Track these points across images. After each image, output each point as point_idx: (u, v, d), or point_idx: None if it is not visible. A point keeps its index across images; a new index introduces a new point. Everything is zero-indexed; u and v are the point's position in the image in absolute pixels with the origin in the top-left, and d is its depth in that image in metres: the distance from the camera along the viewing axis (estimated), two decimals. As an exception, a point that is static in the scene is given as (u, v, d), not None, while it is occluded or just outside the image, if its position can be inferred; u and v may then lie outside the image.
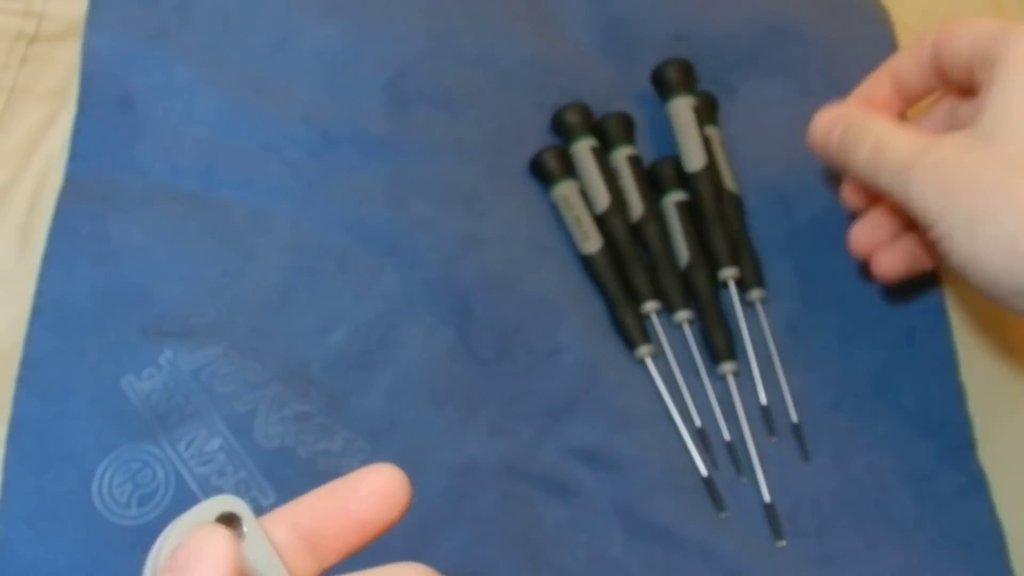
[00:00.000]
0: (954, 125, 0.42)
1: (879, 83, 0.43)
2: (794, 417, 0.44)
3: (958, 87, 0.41)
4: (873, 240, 0.43)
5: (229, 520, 0.24)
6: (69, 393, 0.41)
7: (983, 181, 0.34)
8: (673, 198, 0.48)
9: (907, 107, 0.43)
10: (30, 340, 0.42)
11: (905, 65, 0.42)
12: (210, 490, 0.39)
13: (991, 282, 0.35)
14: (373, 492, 0.25)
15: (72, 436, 0.40)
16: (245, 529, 0.24)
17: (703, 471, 0.42)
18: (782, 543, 0.41)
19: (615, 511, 0.41)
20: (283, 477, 0.40)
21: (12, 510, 0.38)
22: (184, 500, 0.39)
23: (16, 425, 0.40)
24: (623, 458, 0.42)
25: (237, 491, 0.39)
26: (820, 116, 0.42)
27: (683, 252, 0.47)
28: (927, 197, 0.36)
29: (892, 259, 0.43)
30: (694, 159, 0.48)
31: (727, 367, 0.45)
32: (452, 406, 0.43)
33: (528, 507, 0.41)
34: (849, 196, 0.45)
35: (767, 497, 0.42)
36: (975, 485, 0.43)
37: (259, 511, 0.24)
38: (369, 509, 0.25)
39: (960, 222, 0.35)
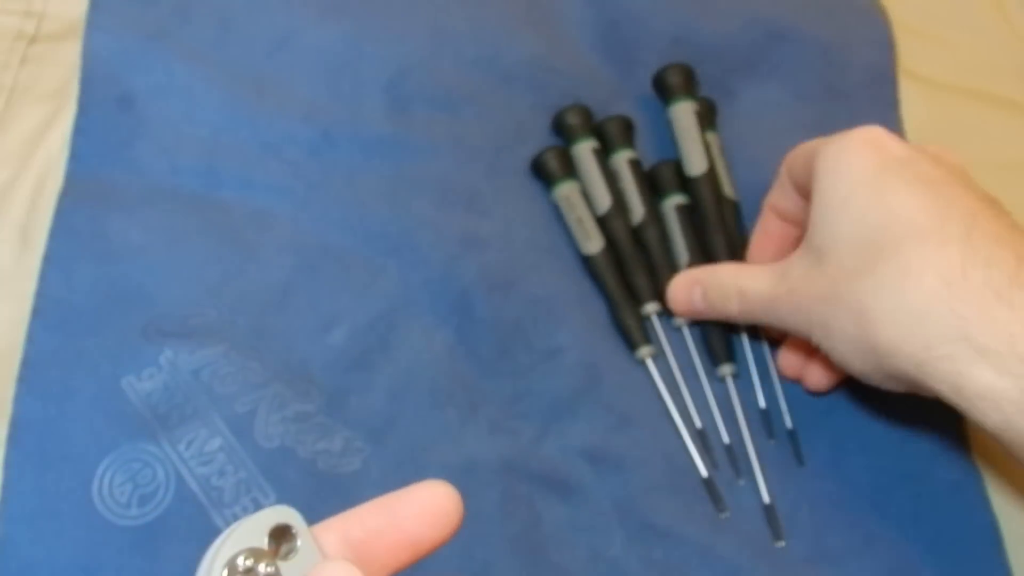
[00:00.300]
0: None
1: (768, 221, 0.46)
2: (789, 423, 0.44)
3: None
4: (796, 361, 0.45)
5: (283, 531, 0.24)
6: (69, 393, 0.41)
7: (824, 297, 0.38)
8: (673, 201, 0.48)
9: (802, 231, 0.43)
10: (30, 340, 0.42)
11: (777, 197, 0.45)
12: (210, 490, 0.39)
13: (862, 374, 0.38)
14: (426, 509, 0.25)
15: (72, 436, 0.40)
16: (299, 542, 0.24)
17: (703, 472, 0.42)
18: (781, 544, 0.41)
19: (615, 511, 0.41)
20: (283, 477, 0.40)
21: (12, 510, 0.38)
22: (184, 500, 0.39)
23: (16, 425, 0.40)
24: (623, 458, 0.42)
25: (237, 491, 0.39)
26: (674, 283, 0.45)
27: (683, 254, 0.47)
28: (792, 320, 0.40)
29: (817, 374, 0.44)
30: (695, 164, 0.48)
31: (726, 369, 0.45)
32: (452, 405, 0.43)
33: (528, 507, 0.41)
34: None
35: (766, 498, 0.42)
36: (970, 482, 0.43)
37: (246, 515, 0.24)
38: (422, 527, 0.25)
39: (820, 332, 0.38)
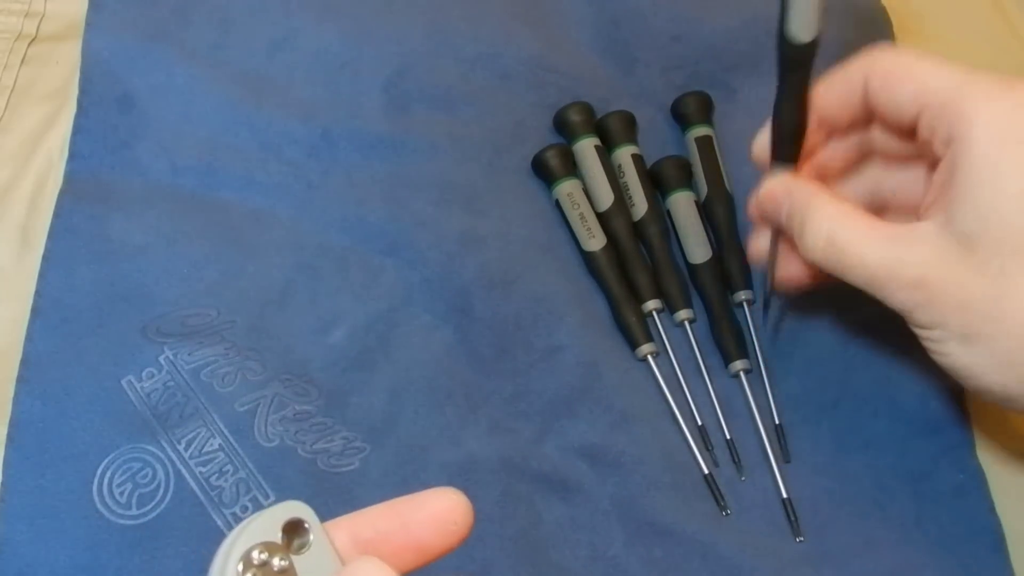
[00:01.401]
0: (884, 197, 0.40)
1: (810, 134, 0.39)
2: (776, 419, 0.44)
3: (897, 134, 0.38)
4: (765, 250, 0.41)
5: (296, 526, 0.24)
6: (69, 393, 0.41)
7: (975, 303, 0.32)
8: (677, 195, 0.48)
9: (828, 138, 0.40)
10: (30, 340, 0.42)
11: (831, 98, 0.38)
12: (210, 489, 0.39)
13: (984, 389, 0.34)
14: (436, 515, 0.25)
15: (72, 436, 0.40)
16: (312, 537, 0.24)
17: (704, 469, 0.42)
18: (800, 540, 0.41)
19: (615, 509, 0.41)
20: (283, 477, 0.40)
21: (12, 510, 0.38)
22: (184, 500, 0.39)
23: (16, 425, 0.40)
24: (623, 456, 0.42)
25: (236, 490, 0.39)
26: (771, 187, 0.39)
27: (695, 249, 0.47)
28: (913, 311, 0.34)
29: (797, 268, 0.40)
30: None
31: (739, 365, 0.45)
32: (452, 405, 0.43)
33: (528, 505, 0.41)
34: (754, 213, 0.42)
35: (784, 493, 0.42)
36: (974, 483, 0.43)
37: (259, 511, 0.24)
38: (430, 532, 0.25)
39: (953, 337, 0.33)
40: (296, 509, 0.24)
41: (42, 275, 0.43)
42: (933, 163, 0.35)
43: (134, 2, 0.50)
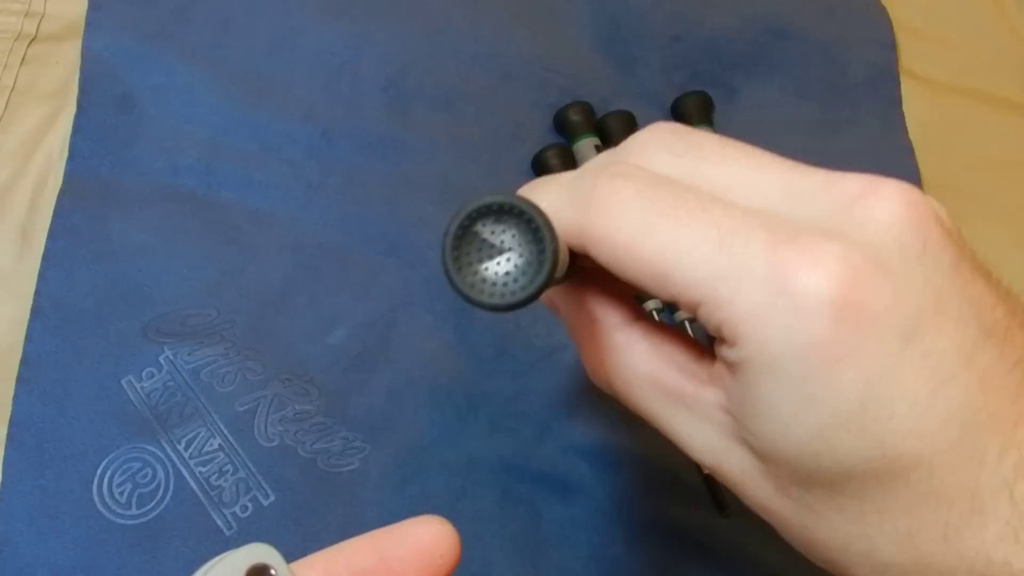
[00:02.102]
0: None
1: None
2: None
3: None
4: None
5: (260, 572, 0.23)
6: (69, 393, 0.41)
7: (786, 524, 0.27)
8: None
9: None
10: (30, 340, 0.42)
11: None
12: (210, 489, 0.39)
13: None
14: (419, 550, 0.23)
15: (72, 436, 0.40)
16: None
17: (704, 469, 0.42)
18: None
19: (615, 509, 0.41)
20: (283, 477, 0.40)
21: (12, 510, 0.38)
22: (184, 500, 0.39)
23: (16, 425, 0.40)
24: (624, 456, 0.42)
25: (237, 490, 0.39)
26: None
27: None
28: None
29: None
30: None
31: None
32: (452, 405, 0.43)
33: (528, 505, 0.41)
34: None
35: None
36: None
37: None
38: (413, 569, 0.23)
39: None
40: (260, 553, 0.23)
41: (42, 275, 0.43)
42: None
43: (134, 2, 0.50)
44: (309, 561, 0.23)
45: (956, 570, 0.22)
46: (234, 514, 0.39)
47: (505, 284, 0.24)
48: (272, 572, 0.23)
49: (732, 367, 0.24)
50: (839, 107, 0.53)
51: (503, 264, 0.24)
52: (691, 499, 0.42)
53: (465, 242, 0.23)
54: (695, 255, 0.23)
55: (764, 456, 0.24)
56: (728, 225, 0.23)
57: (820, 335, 0.21)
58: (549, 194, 0.26)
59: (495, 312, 0.23)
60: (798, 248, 0.22)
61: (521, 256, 0.24)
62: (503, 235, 0.23)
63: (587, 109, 0.50)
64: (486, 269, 0.24)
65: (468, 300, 0.23)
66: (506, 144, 0.50)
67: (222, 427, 0.41)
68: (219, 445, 0.40)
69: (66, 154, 0.46)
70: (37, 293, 0.43)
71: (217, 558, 0.23)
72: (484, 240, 0.23)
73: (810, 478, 0.23)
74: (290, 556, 0.23)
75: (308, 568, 0.23)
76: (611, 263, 0.25)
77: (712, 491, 0.42)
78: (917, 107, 0.54)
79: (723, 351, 0.24)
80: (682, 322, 0.46)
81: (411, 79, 0.50)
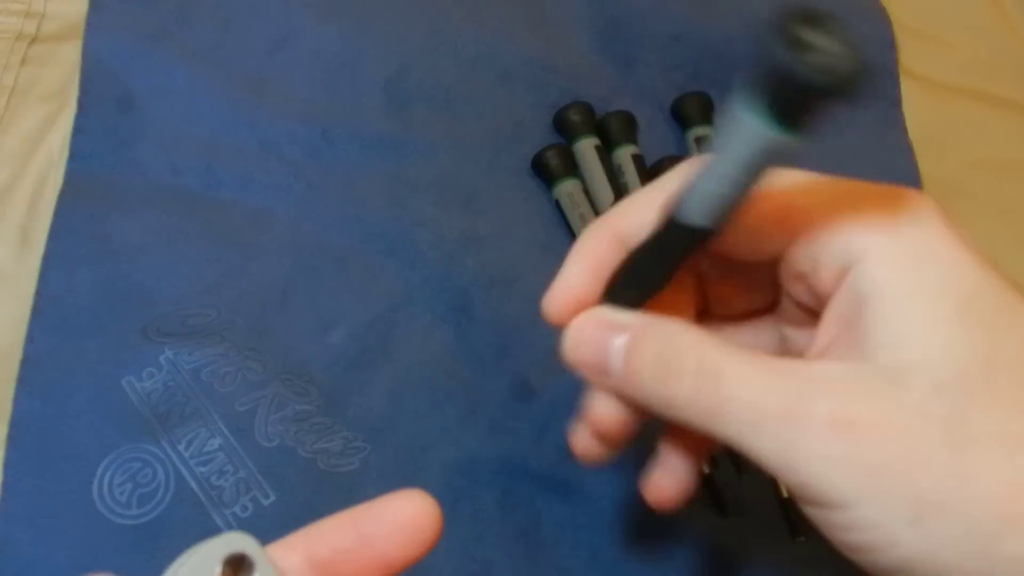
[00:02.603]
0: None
1: (599, 245, 0.29)
2: None
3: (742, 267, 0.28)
4: (678, 488, 0.31)
5: (238, 561, 0.23)
6: (69, 393, 0.41)
7: (927, 457, 0.22)
8: None
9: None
10: (30, 340, 0.42)
11: (638, 222, 0.28)
12: (210, 489, 0.39)
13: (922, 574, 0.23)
14: (400, 526, 0.23)
15: (72, 436, 0.40)
16: (256, 572, 0.23)
17: (704, 469, 0.42)
18: (801, 540, 0.41)
19: (615, 509, 0.41)
20: (283, 476, 0.40)
21: (12, 510, 0.38)
22: (184, 499, 0.39)
23: (16, 425, 0.40)
24: (624, 456, 0.42)
25: (237, 490, 0.39)
26: (578, 325, 0.29)
27: None
28: (826, 471, 0.23)
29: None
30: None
31: None
32: (452, 404, 0.43)
33: (528, 505, 0.41)
34: (586, 444, 0.31)
35: (784, 493, 0.42)
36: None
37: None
38: (393, 546, 0.23)
39: (897, 511, 0.22)
40: (236, 542, 0.23)
41: (42, 275, 0.43)
42: (801, 302, 0.28)
43: (134, 2, 0.50)
44: (289, 542, 0.23)
45: None
46: (234, 514, 0.39)
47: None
48: (250, 559, 0.23)
49: (855, 297, 0.25)
50: (839, 107, 0.53)
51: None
52: (691, 499, 0.42)
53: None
54: None
55: (906, 368, 0.23)
56: None
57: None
58: None
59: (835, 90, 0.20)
60: None
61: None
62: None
63: (587, 109, 0.50)
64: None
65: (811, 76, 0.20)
66: (506, 144, 0.50)
67: (222, 427, 0.41)
68: (219, 445, 0.40)
69: (66, 154, 0.46)
70: (37, 293, 0.43)
71: (192, 549, 0.23)
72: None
73: (963, 374, 0.23)
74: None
75: (289, 550, 0.23)
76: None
77: (712, 491, 0.42)
78: (917, 107, 0.54)
79: (846, 283, 0.25)
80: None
81: (410, 78, 0.50)
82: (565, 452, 0.42)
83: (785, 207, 0.26)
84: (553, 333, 0.45)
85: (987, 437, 0.22)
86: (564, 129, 0.50)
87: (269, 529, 0.38)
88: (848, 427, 0.23)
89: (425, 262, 0.46)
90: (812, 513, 0.24)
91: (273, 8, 0.51)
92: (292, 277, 0.45)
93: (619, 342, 0.27)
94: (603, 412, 0.29)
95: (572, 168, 0.49)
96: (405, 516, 0.23)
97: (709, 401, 0.24)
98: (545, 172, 0.49)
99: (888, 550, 0.23)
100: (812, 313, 0.27)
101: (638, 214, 0.28)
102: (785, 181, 0.26)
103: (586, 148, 0.49)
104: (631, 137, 0.49)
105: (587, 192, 0.48)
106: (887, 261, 0.24)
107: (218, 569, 0.23)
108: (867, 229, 0.25)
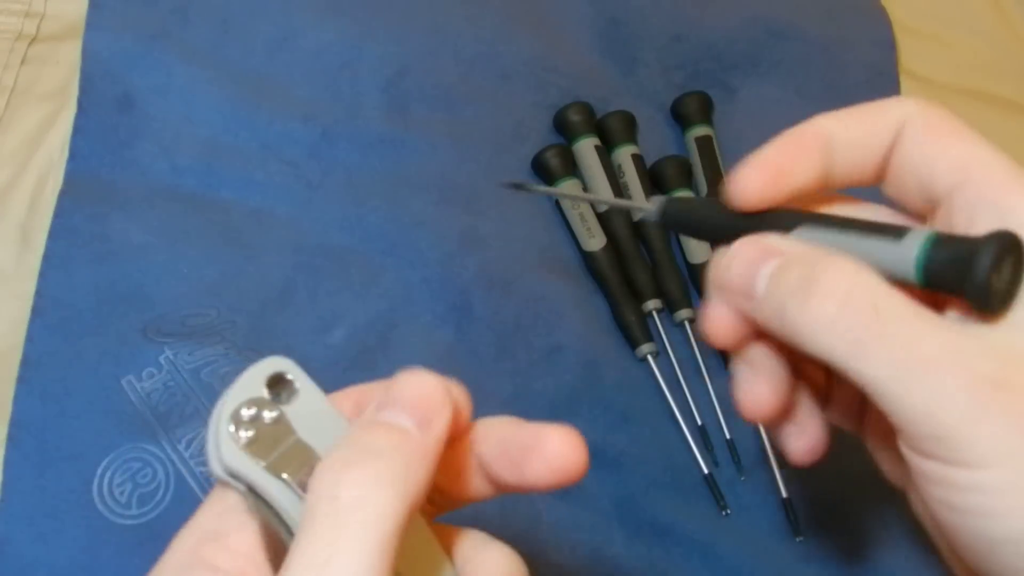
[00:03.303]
0: None
1: (807, 145, 0.28)
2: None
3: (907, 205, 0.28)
4: (775, 393, 0.29)
5: (279, 379, 0.24)
6: (69, 393, 0.41)
7: None
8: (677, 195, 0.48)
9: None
10: (30, 340, 0.42)
11: (848, 140, 0.28)
12: (210, 489, 0.39)
13: None
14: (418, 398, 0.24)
15: (72, 436, 0.40)
16: (298, 385, 0.25)
17: (704, 469, 0.42)
18: (800, 539, 0.41)
19: (615, 509, 0.41)
20: (283, 476, 0.40)
21: (12, 510, 0.38)
22: (184, 499, 0.39)
23: (16, 425, 0.40)
24: (624, 456, 0.42)
25: (237, 490, 0.39)
26: (737, 251, 0.27)
27: (695, 249, 0.47)
28: (974, 427, 0.22)
29: (811, 438, 0.31)
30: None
31: None
32: (452, 405, 0.43)
33: (528, 505, 0.41)
34: (722, 327, 0.29)
35: (784, 493, 0.42)
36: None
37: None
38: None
39: None
40: (277, 364, 0.24)
41: (42, 275, 0.43)
42: None
43: (134, 2, 0.50)
44: (339, 392, 0.26)
45: None
46: (234, 514, 0.39)
47: None
48: (290, 377, 0.24)
49: None
50: (839, 107, 0.52)
51: None
52: (691, 499, 0.42)
53: None
54: None
55: None
56: None
57: None
58: None
59: None
60: None
61: None
62: None
63: (587, 109, 0.50)
64: None
65: None
66: (506, 144, 0.50)
67: (222, 427, 0.41)
68: (219, 445, 0.40)
69: (66, 154, 0.46)
70: (37, 293, 0.43)
71: (239, 375, 0.24)
72: None
73: None
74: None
75: (339, 397, 0.25)
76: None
77: (712, 491, 0.42)
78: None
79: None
80: (681, 322, 0.46)
81: (410, 79, 0.50)
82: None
83: (967, 154, 0.26)
84: (553, 333, 0.45)
85: None
86: (564, 129, 0.50)
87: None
88: (1008, 388, 0.22)
89: (425, 262, 0.46)
90: (929, 468, 0.23)
91: (273, 8, 0.51)
92: (292, 277, 0.45)
93: (770, 266, 0.26)
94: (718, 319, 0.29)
95: (572, 168, 0.49)
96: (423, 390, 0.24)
97: (854, 333, 0.24)
98: (545, 172, 0.49)
99: (1006, 517, 0.23)
100: None
101: (851, 128, 0.28)
102: (973, 139, 0.26)
103: (586, 148, 0.49)
104: (631, 137, 0.49)
105: (587, 192, 0.48)
106: None
107: (264, 387, 0.24)
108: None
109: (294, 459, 0.23)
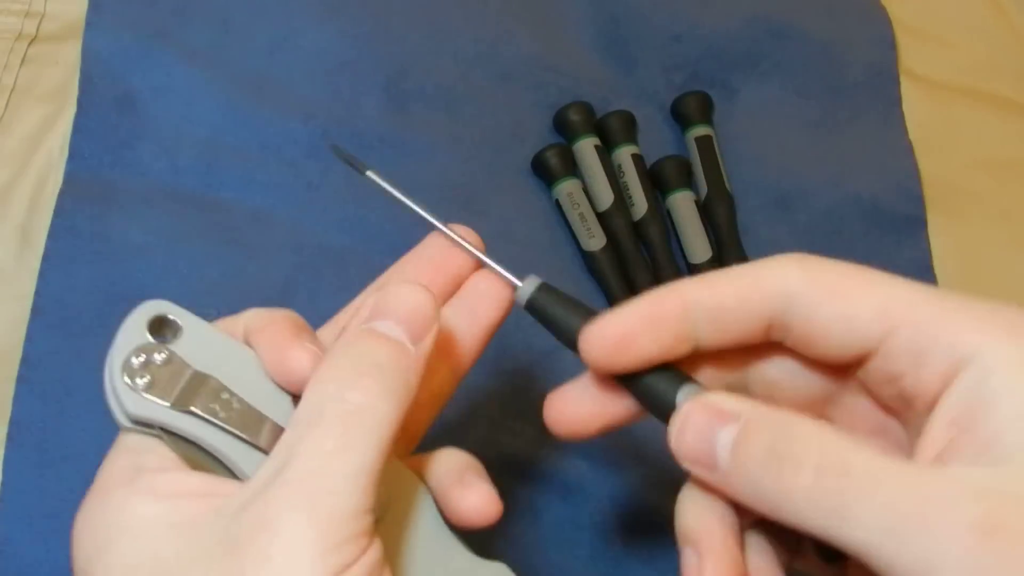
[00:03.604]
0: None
1: (665, 303, 0.26)
2: None
3: (818, 368, 0.27)
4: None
5: (160, 321, 0.25)
6: (69, 393, 0.41)
7: None
8: (679, 195, 0.48)
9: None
10: (30, 340, 0.42)
11: (728, 302, 0.26)
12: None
13: None
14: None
15: (72, 436, 0.40)
16: (181, 322, 0.25)
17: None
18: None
19: (615, 509, 0.41)
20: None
21: (12, 510, 0.38)
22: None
23: (16, 425, 0.40)
24: (624, 456, 0.42)
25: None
26: (685, 415, 0.25)
27: (695, 249, 0.47)
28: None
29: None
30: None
31: None
32: (452, 405, 0.42)
33: (528, 505, 0.41)
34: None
35: None
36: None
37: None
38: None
39: None
40: (152, 307, 0.25)
41: (42, 275, 0.43)
42: (881, 403, 0.27)
43: (134, 2, 0.50)
44: (233, 318, 0.28)
45: None
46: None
47: None
48: (171, 317, 0.25)
49: (975, 400, 0.23)
50: (839, 107, 0.53)
51: None
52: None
53: None
54: None
55: None
56: None
57: None
58: None
59: None
60: None
61: None
62: None
63: (587, 109, 0.50)
64: None
65: None
66: (506, 144, 0.50)
67: (222, 427, 0.41)
68: (219, 445, 0.40)
69: (66, 154, 0.46)
70: (37, 293, 0.43)
71: (119, 329, 0.25)
72: None
73: None
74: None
75: (231, 322, 0.27)
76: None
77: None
78: (917, 107, 0.54)
79: (960, 384, 0.24)
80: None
81: (410, 79, 0.50)
82: (565, 452, 0.42)
83: (886, 298, 0.24)
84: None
85: None
86: (564, 129, 0.50)
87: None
88: (995, 533, 0.21)
89: (425, 262, 0.46)
90: None
91: (273, 8, 0.51)
92: (292, 277, 0.45)
93: (728, 432, 0.24)
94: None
95: (572, 168, 0.49)
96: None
97: (833, 500, 0.22)
98: (545, 172, 0.49)
99: None
100: (877, 416, 0.27)
101: (716, 295, 0.26)
102: (882, 279, 0.25)
103: (586, 148, 0.49)
104: (631, 137, 0.49)
105: (587, 192, 0.48)
106: (1010, 366, 0.23)
107: (146, 332, 0.25)
108: (979, 332, 0.23)
109: (198, 389, 0.24)
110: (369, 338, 0.25)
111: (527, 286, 0.30)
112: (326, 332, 0.30)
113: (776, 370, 0.27)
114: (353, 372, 0.24)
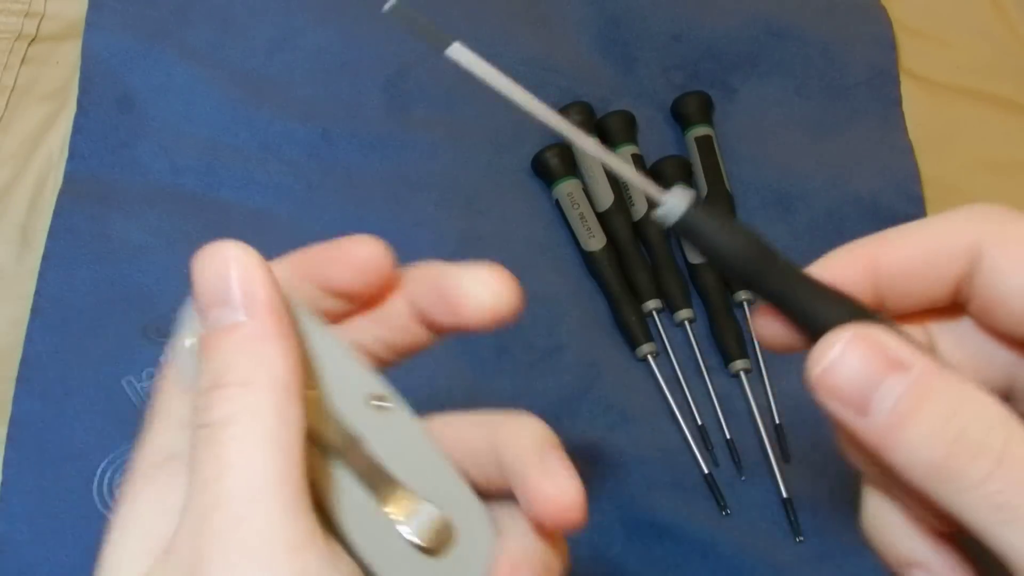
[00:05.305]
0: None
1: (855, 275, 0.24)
2: (776, 419, 0.44)
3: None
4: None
5: None
6: (69, 393, 0.41)
7: None
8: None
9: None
10: (30, 340, 0.42)
11: (913, 264, 0.23)
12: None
13: None
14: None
15: (72, 436, 0.40)
16: None
17: (704, 469, 0.42)
18: (800, 539, 0.41)
19: (615, 509, 0.41)
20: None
21: (12, 510, 0.38)
22: (184, 499, 0.39)
23: (16, 425, 0.40)
24: (623, 456, 0.42)
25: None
26: (843, 339, 0.22)
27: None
28: None
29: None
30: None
31: (739, 365, 0.44)
32: (452, 405, 0.42)
33: (528, 505, 0.41)
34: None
35: (784, 493, 0.42)
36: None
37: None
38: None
39: None
40: None
41: (42, 275, 0.43)
42: None
43: (134, 2, 0.50)
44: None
45: None
46: (234, 514, 0.39)
47: None
48: None
49: None
50: (839, 107, 0.53)
51: None
52: (691, 499, 0.42)
53: None
54: None
55: None
56: None
57: None
58: None
59: None
60: None
61: None
62: None
63: (587, 109, 0.50)
64: None
65: None
66: (505, 143, 0.50)
67: (222, 427, 0.41)
68: (219, 445, 0.40)
69: (66, 154, 0.46)
70: (37, 293, 0.43)
71: (177, 331, 0.24)
72: None
73: None
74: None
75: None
76: None
77: (712, 491, 0.42)
78: (917, 107, 0.54)
79: None
80: (681, 323, 0.46)
81: (410, 78, 0.50)
82: (565, 452, 0.42)
83: None
84: (553, 333, 0.45)
85: None
86: (564, 129, 0.50)
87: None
88: None
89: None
90: None
91: (273, 8, 0.51)
92: (292, 277, 0.45)
93: (895, 382, 0.20)
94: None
95: (572, 168, 0.49)
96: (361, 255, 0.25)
97: (1007, 496, 0.19)
98: (545, 172, 0.49)
99: None
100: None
101: (903, 256, 0.23)
102: None
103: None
104: (631, 137, 0.49)
105: (587, 192, 0.48)
106: None
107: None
108: None
109: None
110: (210, 340, 0.22)
111: (677, 201, 0.23)
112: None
113: (954, 340, 0.23)
114: (210, 390, 0.21)
